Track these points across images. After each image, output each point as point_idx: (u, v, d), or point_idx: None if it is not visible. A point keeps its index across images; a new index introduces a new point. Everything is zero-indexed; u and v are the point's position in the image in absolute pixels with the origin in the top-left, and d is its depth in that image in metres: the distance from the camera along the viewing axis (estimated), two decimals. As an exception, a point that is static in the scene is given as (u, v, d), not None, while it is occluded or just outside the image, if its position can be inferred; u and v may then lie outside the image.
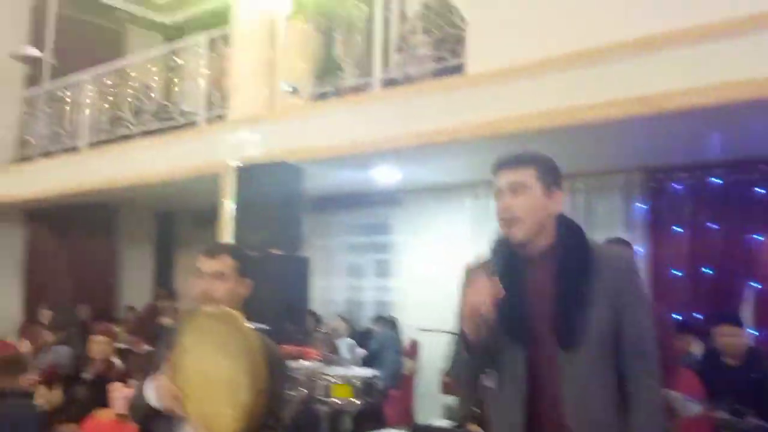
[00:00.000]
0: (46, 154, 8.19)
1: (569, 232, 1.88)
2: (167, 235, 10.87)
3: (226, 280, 2.20)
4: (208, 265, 2.21)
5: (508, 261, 1.86)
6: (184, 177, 6.65)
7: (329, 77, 5.71)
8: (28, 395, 3.79)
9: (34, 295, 9.29)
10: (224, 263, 2.21)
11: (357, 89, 5.44)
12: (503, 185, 1.84)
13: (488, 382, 1.88)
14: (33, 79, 8.94)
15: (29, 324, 8.56)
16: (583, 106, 4.06)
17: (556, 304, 1.79)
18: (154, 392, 2.04)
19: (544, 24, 4.30)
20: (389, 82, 5.17)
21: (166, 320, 7.93)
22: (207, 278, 2.19)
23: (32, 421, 3.61)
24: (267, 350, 1.96)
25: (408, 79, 5.08)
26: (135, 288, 10.54)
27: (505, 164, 1.87)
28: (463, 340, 1.81)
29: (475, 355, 1.80)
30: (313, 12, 5.76)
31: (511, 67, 4.32)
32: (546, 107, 4.22)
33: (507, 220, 1.84)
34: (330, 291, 8.05)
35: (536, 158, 1.87)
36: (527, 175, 1.82)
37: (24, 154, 8.50)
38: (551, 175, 1.86)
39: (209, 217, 7.45)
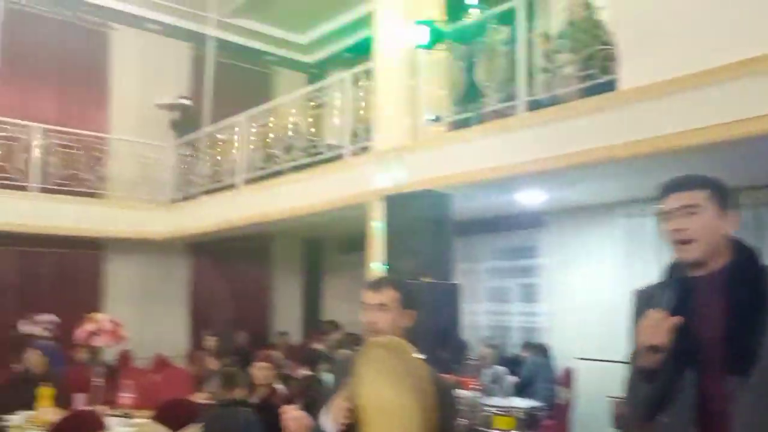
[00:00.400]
0: (207, 192, 8.85)
1: (743, 255, 1.85)
2: (314, 261, 11.34)
3: (389, 311, 2.27)
4: (371, 297, 2.29)
5: (679, 284, 1.83)
6: (331, 207, 6.90)
7: (471, 103, 5.72)
8: (245, 404, 4.17)
9: (198, 322, 10.02)
10: (387, 296, 2.28)
11: (501, 113, 5.40)
12: (674, 207, 1.85)
13: (663, 416, 1.83)
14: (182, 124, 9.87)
15: (195, 350, 9.23)
16: (748, 118, 3.76)
17: (728, 328, 1.75)
18: (330, 417, 2.11)
19: (703, 34, 4.04)
20: (534, 105, 5.08)
21: (318, 345, 8.22)
22: (371, 310, 2.28)
23: (255, 425, 3.94)
24: (435, 380, 1.98)
25: (554, 100, 4.97)
26: (285, 313, 11.06)
27: (675, 187, 1.87)
28: (640, 372, 1.80)
29: (655, 384, 1.78)
30: (453, 39, 5.82)
31: (668, 81, 4.10)
32: (706, 122, 3.96)
33: (680, 241, 1.84)
34: (475, 317, 7.98)
35: (707, 180, 1.87)
36: (700, 197, 1.83)
37: (188, 192, 9.25)
38: (724, 197, 1.85)
39: (355, 243, 7.68)
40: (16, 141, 8.50)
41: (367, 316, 2.28)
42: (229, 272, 10.37)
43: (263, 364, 5.72)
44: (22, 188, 8.40)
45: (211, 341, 8.69)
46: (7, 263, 8.77)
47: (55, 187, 8.61)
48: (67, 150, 8.86)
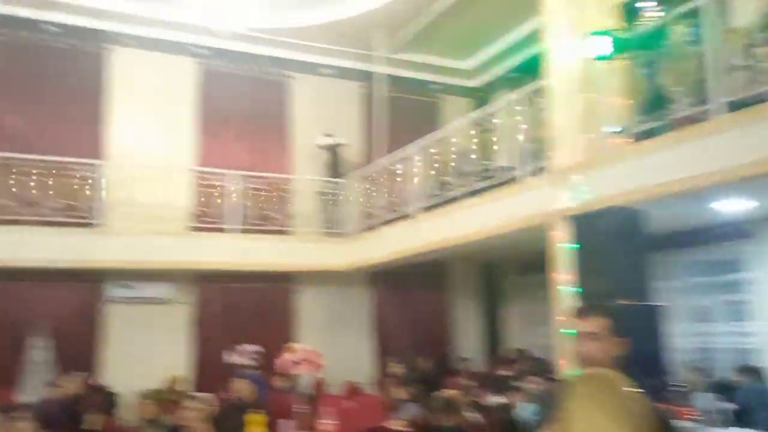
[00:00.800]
0: (386, 223, 9.13)
1: None
2: (492, 285, 11.22)
3: (600, 340, 2.20)
4: (581, 325, 2.23)
5: None
6: (509, 230, 6.79)
7: (657, 112, 5.37)
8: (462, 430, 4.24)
9: (382, 350, 10.31)
10: (597, 323, 2.23)
11: (692, 119, 5.00)
12: None
13: None
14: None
15: (382, 377, 9.47)
16: None
17: None
18: None
19: None
20: (733, 106, 4.64)
21: (505, 372, 8.07)
22: (581, 339, 2.21)
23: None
24: (653, 413, 1.90)
25: (757, 99, 4.50)
26: (465, 339, 11.02)
27: None
28: None
29: None
30: (633, 46, 5.53)
31: None
32: None
33: None
34: (676, 339, 7.37)
35: None
36: None
37: (367, 224, 9.62)
38: None
39: (534, 265, 7.49)
40: (215, 188, 9.42)
41: (577, 345, 2.22)
42: (409, 299, 10.58)
43: (453, 390, 5.75)
44: (221, 230, 9.24)
45: (396, 368, 8.85)
46: (212, 299, 9.68)
47: (250, 227, 9.38)
48: (259, 192, 9.65)
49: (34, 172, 8.55)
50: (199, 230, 9.23)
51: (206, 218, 9.31)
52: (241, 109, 10.30)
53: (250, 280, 9.66)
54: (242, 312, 9.74)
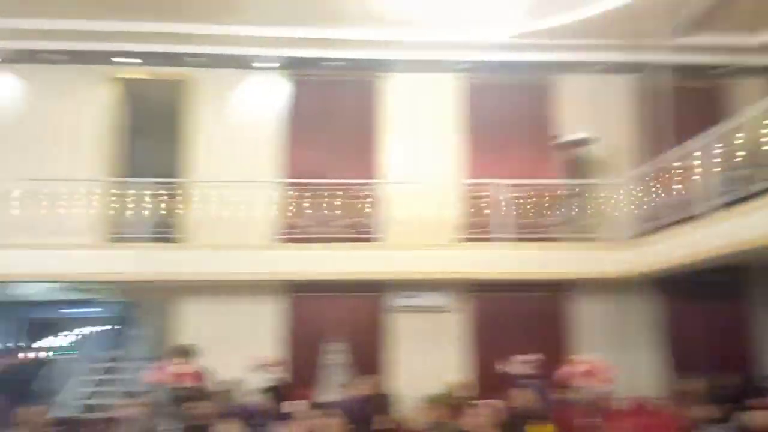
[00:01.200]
0: (669, 225, 8.32)
1: None
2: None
3: None
4: None
5: None
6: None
7: None
8: None
9: (672, 364, 9.51)
10: None
11: None
12: None
13: None
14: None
15: (675, 394, 8.60)
16: None
17: None
18: None
19: None
20: None
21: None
22: None
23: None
24: None
25: None
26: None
27: None
28: None
29: None
30: None
31: None
32: None
33: None
34: None
35: None
36: None
37: (646, 228, 8.88)
38: None
39: None
40: (484, 199, 9.53)
41: None
42: (702, 309, 9.56)
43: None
44: (491, 240, 9.32)
45: (694, 385, 7.97)
46: (486, 307, 9.80)
47: (519, 236, 9.31)
48: (527, 200, 9.56)
49: (330, 195, 9.52)
50: (470, 241, 9.43)
51: (477, 229, 9.46)
52: (506, 117, 10.32)
53: (521, 289, 9.57)
54: (515, 320, 9.69)
